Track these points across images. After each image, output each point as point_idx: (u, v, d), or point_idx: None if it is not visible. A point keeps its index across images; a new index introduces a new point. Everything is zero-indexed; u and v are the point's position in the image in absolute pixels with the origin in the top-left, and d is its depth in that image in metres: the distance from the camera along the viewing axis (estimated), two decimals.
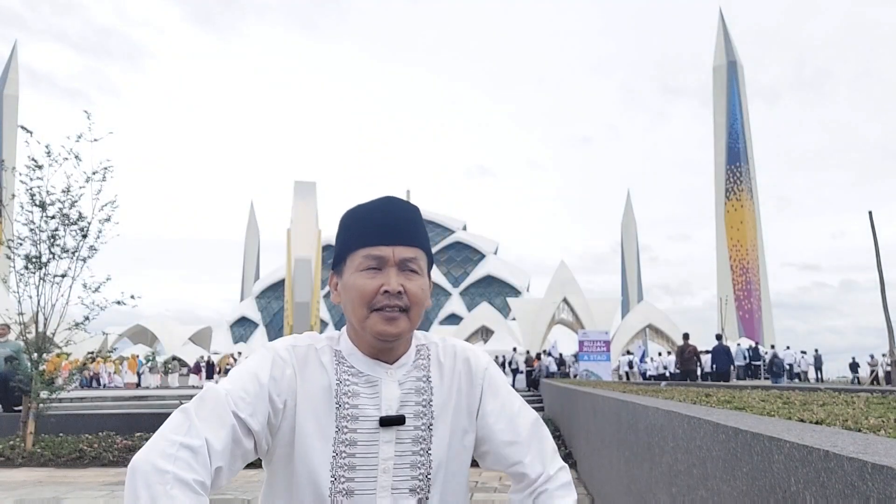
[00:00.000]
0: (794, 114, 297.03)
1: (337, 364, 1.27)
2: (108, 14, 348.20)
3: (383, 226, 1.27)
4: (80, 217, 9.34)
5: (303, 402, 1.22)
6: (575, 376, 28.95)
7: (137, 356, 40.24)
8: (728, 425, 1.53)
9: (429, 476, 1.26)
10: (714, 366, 20.71)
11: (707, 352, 23.28)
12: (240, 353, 43.27)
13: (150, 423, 10.14)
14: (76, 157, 9.19)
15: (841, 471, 0.99)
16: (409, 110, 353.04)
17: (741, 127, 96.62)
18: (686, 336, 20.06)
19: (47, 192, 9.22)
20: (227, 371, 39.46)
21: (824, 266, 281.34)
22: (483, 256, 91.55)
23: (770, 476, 1.24)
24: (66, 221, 9.27)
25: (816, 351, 34.57)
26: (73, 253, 9.31)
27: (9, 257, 9.18)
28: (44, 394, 9.12)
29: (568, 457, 8.31)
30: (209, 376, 35.54)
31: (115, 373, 35.45)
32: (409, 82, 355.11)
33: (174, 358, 45.70)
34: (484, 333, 59.64)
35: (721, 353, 20.34)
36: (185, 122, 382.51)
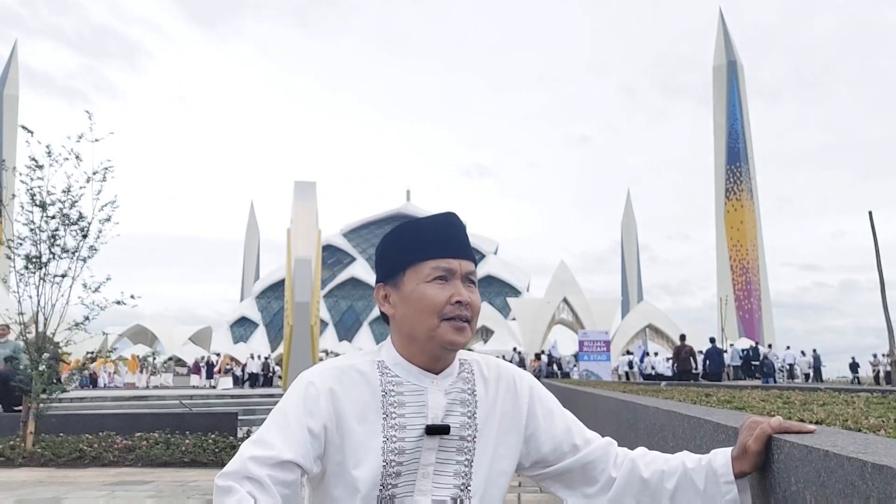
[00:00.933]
0: (794, 113, 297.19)
1: (381, 375, 1.30)
2: (104, 12, 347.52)
3: (452, 239, 1.32)
4: (81, 217, 9.34)
5: (346, 418, 1.25)
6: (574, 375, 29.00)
7: (137, 356, 40.28)
8: (728, 425, 1.53)
9: (469, 487, 1.28)
10: (707, 367, 21.73)
11: (703, 352, 24.03)
12: (244, 361, 43.26)
13: (151, 423, 10.14)
14: (77, 157, 9.20)
15: (841, 470, 0.99)
16: (409, 110, 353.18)
17: (741, 127, 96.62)
18: (683, 337, 20.91)
19: (48, 192, 9.22)
20: (227, 371, 39.47)
21: (824, 266, 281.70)
22: (483, 256, 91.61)
23: (770, 476, 1.24)
24: (67, 221, 9.27)
25: (815, 351, 34.58)
26: (74, 253, 9.32)
27: (9, 257, 9.18)
28: (44, 394, 9.12)
29: None
30: (209, 376, 35.54)
31: (114, 373, 35.46)
32: (408, 82, 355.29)
33: (169, 358, 45.69)
34: (484, 333, 59.67)
35: (714, 355, 21.50)
36: (184, 121, 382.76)
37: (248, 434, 10.57)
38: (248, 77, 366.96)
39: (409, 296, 1.30)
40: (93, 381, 33.08)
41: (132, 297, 9.69)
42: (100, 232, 9.36)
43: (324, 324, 77.37)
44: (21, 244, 9.22)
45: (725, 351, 29.31)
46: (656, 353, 36.83)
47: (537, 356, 33.86)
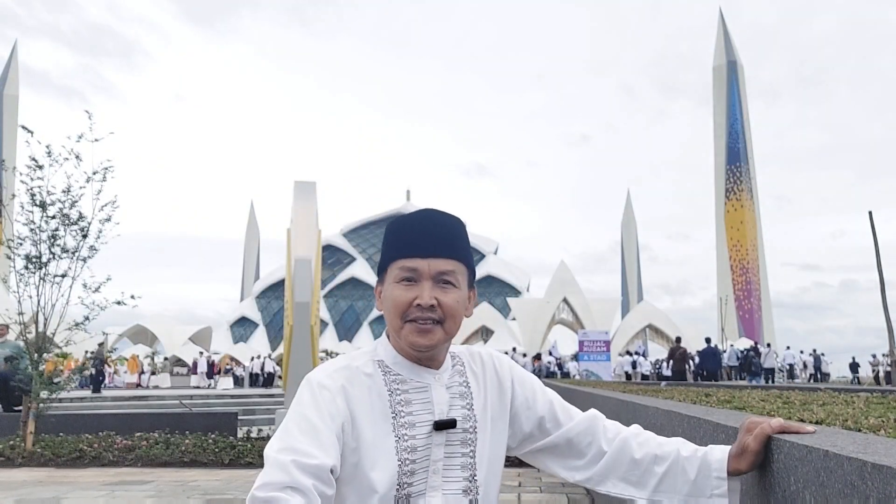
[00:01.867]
0: (794, 113, 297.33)
1: (384, 375, 1.30)
2: (102, 11, 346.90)
3: (419, 238, 1.29)
4: (81, 217, 9.34)
5: (359, 419, 1.24)
6: (549, 375, 29.04)
7: (137, 356, 40.24)
8: (728, 425, 1.54)
9: (476, 478, 1.30)
10: (703, 367, 22.52)
11: (700, 352, 24.79)
12: (244, 362, 43.27)
13: (150, 423, 10.15)
14: (77, 157, 9.19)
15: (841, 470, 0.99)
16: (409, 110, 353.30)
17: (741, 127, 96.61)
18: (678, 339, 22.04)
19: (48, 192, 9.22)
20: (226, 371, 39.45)
21: (824, 266, 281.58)
22: (483, 256, 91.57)
23: (770, 475, 1.24)
24: (67, 221, 9.27)
25: (815, 351, 34.59)
26: (74, 253, 9.31)
27: (9, 257, 9.17)
28: (44, 394, 9.12)
29: None
30: (209, 376, 35.54)
31: (114, 373, 35.43)
32: (408, 82, 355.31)
33: (165, 358, 45.65)
34: (484, 333, 59.65)
35: (709, 355, 22.25)
36: (183, 121, 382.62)
37: (248, 434, 10.56)
38: (247, 76, 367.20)
39: (384, 296, 1.32)
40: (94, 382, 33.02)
41: (132, 297, 9.69)
42: (100, 232, 9.37)
43: (324, 324, 77.36)
44: (21, 244, 9.22)
45: (724, 351, 30.13)
46: (645, 355, 37.34)
47: (538, 356, 33.92)
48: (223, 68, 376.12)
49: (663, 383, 12.70)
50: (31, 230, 9.19)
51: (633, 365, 33.96)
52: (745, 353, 31.01)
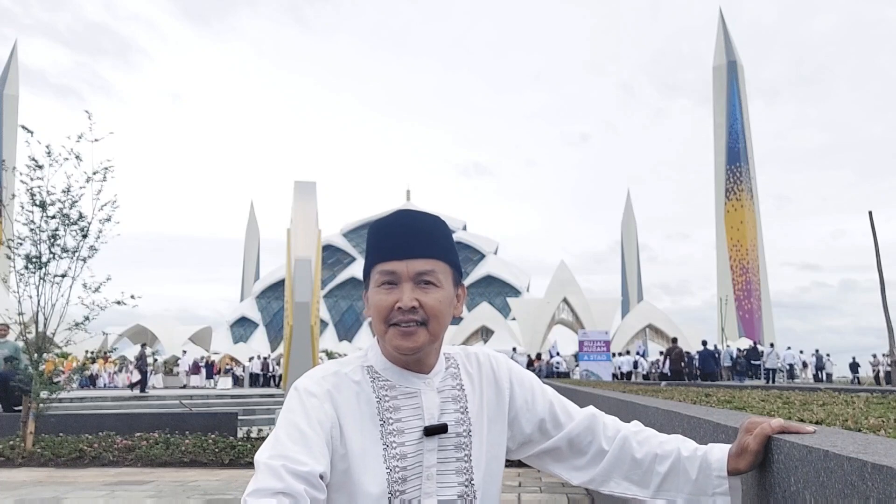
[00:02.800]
0: (794, 113, 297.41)
1: (372, 381, 1.28)
2: (98, 9, 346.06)
3: (395, 240, 1.27)
4: (81, 217, 9.33)
5: (347, 427, 1.22)
6: (558, 375, 29.14)
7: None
8: (728, 425, 1.53)
9: (473, 482, 1.28)
10: (700, 368, 23.18)
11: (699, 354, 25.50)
12: (244, 362, 43.22)
13: (150, 423, 10.15)
14: (77, 157, 9.19)
15: (841, 471, 0.99)
16: (408, 109, 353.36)
17: (741, 127, 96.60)
18: (674, 340, 22.73)
19: (48, 192, 9.22)
20: (226, 371, 39.45)
21: (824, 266, 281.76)
22: (483, 256, 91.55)
23: (770, 476, 1.24)
24: (67, 221, 9.27)
25: (817, 351, 34.58)
26: (74, 253, 9.31)
27: (9, 257, 9.17)
28: (44, 394, 9.12)
29: None
30: (209, 376, 35.52)
31: (115, 373, 35.41)
32: (407, 81, 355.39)
33: (155, 358, 45.49)
34: (484, 333, 59.64)
35: (706, 357, 23.01)
36: (182, 120, 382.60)
37: (248, 434, 10.56)
38: (246, 76, 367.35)
39: (370, 299, 1.29)
40: (91, 381, 33.04)
41: (132, 297, 9.69)
42: (100, 232, 9.36)
43: (324, 324, 77.36)
44: (21, 244, 9.22)
45: (720, 353, 30.80)
46: (627, 352, 37.76)
47: (538, 356, 33.95)
48: (221, 67, 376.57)
49: (663, 383, 12.72)
50: (31, 230, 9.19)
51: (635, 364, 34.03)
52: (744, 352, 31.43)
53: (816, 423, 1.62)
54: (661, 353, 29.99)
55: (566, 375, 30.45)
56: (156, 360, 41.90)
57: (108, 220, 9.38)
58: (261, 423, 12.73)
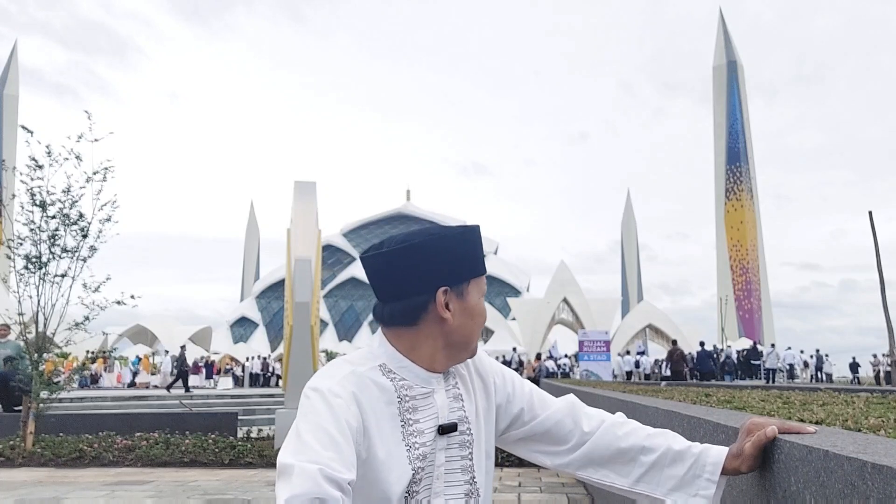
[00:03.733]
0: (794, 113, 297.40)
1: (391, 381, 1.27)
2: (93, 7, 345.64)
3: (483, 254, 1.37)
4: (81, 217, 9.33)
5: (371, 429, 1.20)
6: (566, 375, 29.17)
7: (149, 356, 40.22)
8: (728, 425, 1.54)
9: (475, 480, 1.30)
10: (697, 368, 24.20)
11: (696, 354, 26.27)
12: (246, 359, 43.15)
13: (150, 423, 10.15)
14: (77, 157, 9.19)
15: (841, 471, 0.99)
16: (408, 109, 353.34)
17: (741, 127, 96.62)
18: (675, 342, 23.41)
19: (48, 191, 9.22)
20: (227, 371, 39.45)
21: (824, 266, 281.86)
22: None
23: (770, 476, 1.24)
24: (67, 221, 9.27)
25: (818, 351, 34.58)
26: (74, 253, 9.31)
27: (9, 257, 9.17)
28: (44, 394, 9.12)
29: None
30: (208, 376, 35.53)
31: (106, 370, 35.30)
32: (406, 81, 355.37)
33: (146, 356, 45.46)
34: (484, 333, 59.28)
35: (703, 357, 24.08)
36: (182, 120, 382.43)
37: (248, 434, 10.56)
38: (245, 75, 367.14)
39: (473, 308, 1.30)
40: (94, 381, 33.04)
41: (132, 296, 9.69)
42: (100, 232, 9.36)
43: (324, 324, 77.35)
44: (21, 244, 9.21)
45: (718, 353, 32.00)
46: (628, 352, 37.99)
47: (537, 357, 33.96)
48: (219, 66, 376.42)
49: (663, 383, 12.73)
50: (31, 230, 9.18)
51: (637, 364, 34.04)
52: (744, 352, 31.67)
53: (816, 423, 1.62)
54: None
55: (566, 375, 30.47)
56: (154, 360, 41.93)
57: (108, 220, 9.38)
58: (261, 423, 12.73)
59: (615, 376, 30.52)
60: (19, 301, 9.37)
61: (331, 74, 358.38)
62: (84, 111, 9.21)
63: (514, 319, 58.59)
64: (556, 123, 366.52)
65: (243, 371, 39.01)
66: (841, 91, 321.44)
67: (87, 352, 29.04)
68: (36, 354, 9.26)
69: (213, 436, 9.41)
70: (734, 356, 32.81)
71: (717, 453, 1.28)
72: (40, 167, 9.17)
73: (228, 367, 43.21)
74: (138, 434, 9.42)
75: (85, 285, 9.30)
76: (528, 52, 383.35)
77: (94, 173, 9.27)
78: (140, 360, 39.61)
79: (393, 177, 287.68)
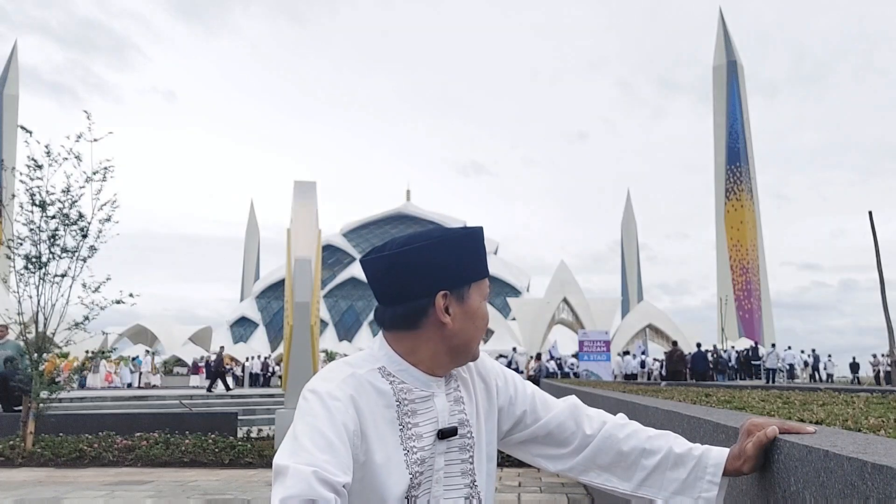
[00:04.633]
0: (794, 113, 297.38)
1: (391, 384, 1.26)
2: (89, 5, 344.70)
3: (485, 256, 1.35)
4: (81, 217, 9.33)
5: (369, 432, 1.19)
6: (576, 375, 29.14)
7: (137, 357, 40.16)
8: (728, 425, 1.54)
9: (476, 483, 1.29)
10: (693, 369, 24.90)
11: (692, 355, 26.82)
12: (246, 359, 43.10)
13: (150, 423, 10.14)
14: (76, 157, 9.19)
15: (841, 471, 0.99)
16: (408, 109, 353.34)
17: (741, 127, 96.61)
18: (675, 343, 23.79)
19: (47, 192, 9.22)
20: (227, 371, 39.39)
21: (824, 266, 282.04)
22: None
23: (770, 476, 1.24)
24: (67, 221, 9.26)
25: (814, 351, 34.58)
26: (73, 253, 9.31)
27: (9, 257, 9.17)
28: (44, 394, 9.12)
29: None
30: (208, 376, 35.49)
31: (115, 373, 35.33)
32: (406, 80, 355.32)
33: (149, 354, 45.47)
34: (484, 333, 59.52)
35: (699, 358, 24.86)
36: (181, 119, 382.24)
37: (248, 434, 10.56)
38: (244, 75, 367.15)
39: (474, 312, 1.29)
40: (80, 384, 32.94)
41: (131, 295, 9.69)
42: (100, 232, 9.36)
43: (324, 324, 77.34)
44: (21, 244, 9.21)
45: (725, 351, 32.49)
46: (627, 353, 38.17)
47: (537, 357, 33.94)
48: (218, 66, 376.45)
49: (663, 383, 12.73)
50: (31, 230, 9.18)
51: (642, 364, 33.91)
52: (744, 352, 31.78)
53: (816, 423, 1.62)
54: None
55: (576, 375, 30.47)
56: (154, 361, 41.89)
57: (108, 219, 9.38)
58: (261, 423, 12.73)
59: (615, 376, 30.52)
60: (19, 301, 9.37)
61: (331, 74, 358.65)
62: (83, 111, 9.22)
63: (514, 319, 58.56)
64: (555, 123, 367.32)
65: (243, 371, 39.02)
66: (841, 91, 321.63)
67: (87, 352, 29.01)
68: (36, 354, 9.26)
69: (212, 436, 9.41)
70: (734, 356, 32.90)
71: (718, 455, 1.27)
72: (40, 167, 9.17)
73: (228, 367, 43.15)
74: (138, 434, 9.42)
75: (85, 285, 9.30)
76: (528, 51, 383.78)
77: (94, 173, 9.27)
78: (141, 360, 39.61)
79: (393, 177, 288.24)
